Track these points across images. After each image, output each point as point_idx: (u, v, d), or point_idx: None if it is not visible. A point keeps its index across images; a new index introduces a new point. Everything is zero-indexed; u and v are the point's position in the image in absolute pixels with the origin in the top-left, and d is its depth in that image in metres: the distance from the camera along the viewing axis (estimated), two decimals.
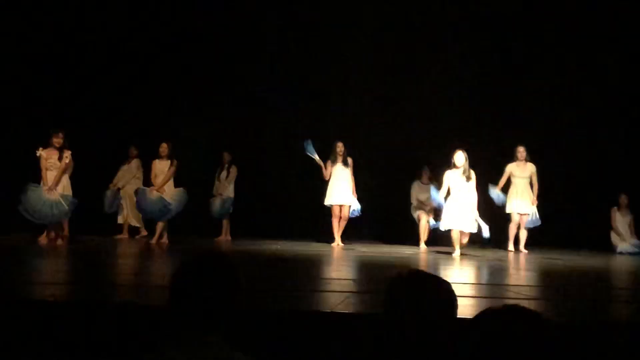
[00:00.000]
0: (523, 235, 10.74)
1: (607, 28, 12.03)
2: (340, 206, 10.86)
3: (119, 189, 11.33)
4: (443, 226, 9.62)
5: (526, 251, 10.54)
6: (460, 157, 9.51)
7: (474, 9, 12.33)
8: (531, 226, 10.74)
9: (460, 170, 9.49)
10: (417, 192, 11.39)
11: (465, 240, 9.52)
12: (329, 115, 12.73)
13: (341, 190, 10.84)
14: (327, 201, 10.92)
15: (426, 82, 12.26)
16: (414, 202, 11.42)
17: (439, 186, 10.05)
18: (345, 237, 10.97)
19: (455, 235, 9.48)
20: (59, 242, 9.49)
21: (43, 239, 9.49)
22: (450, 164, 9.61)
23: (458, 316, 2.12)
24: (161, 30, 12.37)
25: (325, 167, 10.92)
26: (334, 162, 10.92)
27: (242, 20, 12.62)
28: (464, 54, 12.28)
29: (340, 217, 10.89)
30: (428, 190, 10.83)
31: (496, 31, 12.36)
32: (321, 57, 12.70)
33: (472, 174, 9.59)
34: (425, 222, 11.04)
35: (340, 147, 10.93)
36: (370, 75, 12.48)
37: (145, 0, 12.45)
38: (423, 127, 12.30)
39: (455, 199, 9.48)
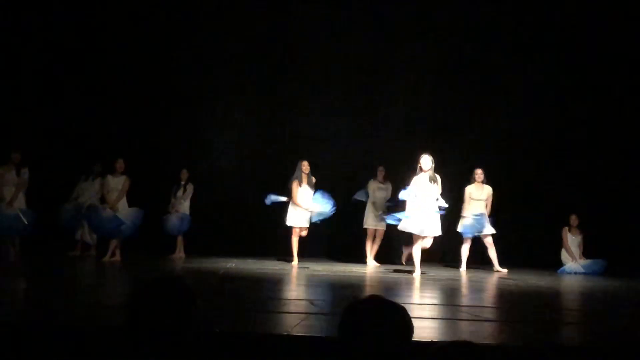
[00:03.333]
0: (493, 255, 10.74)
1: (563, 51, 12.33)
2: (302, 227, 10.82)
3: (81, 205, 10.97)
4: (402, 226, 9.46)
5: (504, 270, 10.57)
6: (426, 161, 9.40)
7: (441, 19, 12.56)
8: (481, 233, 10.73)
9: (427, 174, 9.39)
10: (373, 190, 11.35)
11: (428, 244, 9.43)
12: (287, 133, 12.83)
13: (305, 213, 10.76)
14: (290, 222, 10.81)
15: (388, 98, 12.50)
16: (370, 199, 11.38)
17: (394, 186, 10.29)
18: (300, 255, 10.91)
19: (416, 254, 9.46)
20: (11, 258, 9.34)
21: None
22: (416, 169, 9.52)
23: (414, 339, 2.14)
24: (121, 46, 12.28)
25: (292, 188, 10.74)
26: (300, 182, 10.76)
27: (202, 34, 12.61)
28: (427, 71, 12.57)
29: (300, 236, 10.85)
30: (384, 190, 10.98)
31: (458, 48, 12.61)
32: (283, 71, 12.81)
33: (438, 178, 9.49)
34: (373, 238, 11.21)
35: (306, 166, 10.81)
36: (333, 91, 12.63)
37: (108, 16, 12.31)
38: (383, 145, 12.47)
39: (420, 204, 9.36)
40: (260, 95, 12.88)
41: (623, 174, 12.07)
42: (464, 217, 10.75)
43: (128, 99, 12.22)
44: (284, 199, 10.85)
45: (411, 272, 9.54)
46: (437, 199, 9.46)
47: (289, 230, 10.92)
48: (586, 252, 11.51)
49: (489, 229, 10.72)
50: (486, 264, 10.87)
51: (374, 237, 11.35)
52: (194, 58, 12.63)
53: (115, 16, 12.29)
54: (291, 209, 10.81)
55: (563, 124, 12.50)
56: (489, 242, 10.77)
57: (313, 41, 12.65)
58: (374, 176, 11.45)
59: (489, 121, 12.44)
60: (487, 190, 10.83)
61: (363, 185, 11.53)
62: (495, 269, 10.67)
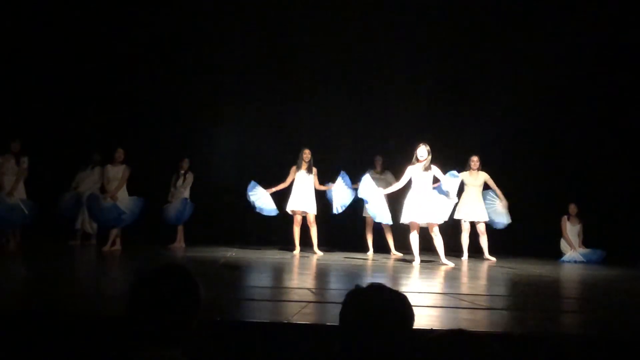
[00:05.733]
0: (484, 243, 10.83)
1: (565, 39, 12.31)
2: (304, 214, 10.82)
3: (81, 194, 10.91)
4: (404, 219, 9.56)
5: (493, 258, 10.63)
6: (423, 151, 9.45)
7: (438, 12, 12.54)
8: (502, 226, 10.83)
9: (422, 164, 9.43)
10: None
11: (435, 231, 9.45)
12: (285, 121, 12.84)
13: (303, 197, 10.76)
14: (289, 207, 10.84)
15: (389, 89, 12.50)
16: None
17: (394, 177, 10.23)
18: (301, 245, 10.93)
19: (414, 243, 9.52)
20: (11, 248, 9.36)
21: None
22: (412, 159, 9.55)
23: (414, 327, 2.14)
24: (123, 36, 12.26)
25: (289, 172, 10.83)
26: (298, 168, 10.82)
27: (203, 25, 12.59)
28: (428, 61, 12.56)
29: (301, 225, 10.84)
30: (382, 180, 10.91)
31: (455, 41, 12.58)
32: (284, 59, 12.79)
33: (434, 167, 9.51)
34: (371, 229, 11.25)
35: (307, 154, 10.84)
36: (334, 80, 12.63)
37: (110, 8, 12.26)
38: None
39: (417, 193, 9.43)
40: (261, 84, 12.87)
41: (623, 163, 12.07)
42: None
43: (128, 88, 12.20)
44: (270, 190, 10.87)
45: (411, 261, 9.59)
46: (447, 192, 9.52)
47: (290, 219, 10.94)
48: (586, 241, 11.53)
49: (483, 216, 10.77)
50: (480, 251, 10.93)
51: (382, 229, 11.36)
52: (194, 49, 12.61)
53: (117, 8, 12.25)
54: (291, 196, 10.84)
55: (564, 111, 12.50)
56: (481, 229, 10.84)
57: (314, 28, 12.62)
58: (372, 166, 11.43)
59: (489, 110, 12.42)
60: (482, 176, 10.85)
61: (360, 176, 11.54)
62: (485, 257, 10.75)
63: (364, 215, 11.32)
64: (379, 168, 11.35)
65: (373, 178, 11.11)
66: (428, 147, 9.48)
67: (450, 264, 9.35)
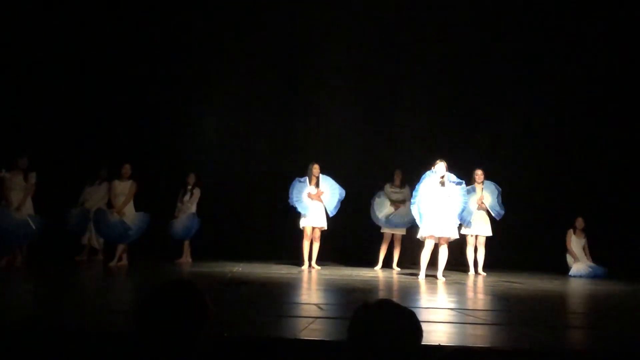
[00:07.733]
0: (481, 258, 10.82)
1: (564, 54, 12.33)
2: (313, 228, 10.80)
3: (88, 209, 10.94)
4: (421, 234, 9.55)
5: (484, 273, 10.62)
6: (441, 168, 9.46)
7: (449, 28, 12.59)
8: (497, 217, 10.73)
9: (440, 180, 9.44)
10: (389, 194, 11.29)
11: (444, 245, 9.48)
12: (293, 135, 12.86)
13: (314, 212, 10.76)
14: (301, 223, 10.82)
15: (399, 108, 12.54)
16: (379, 213, 11.36)
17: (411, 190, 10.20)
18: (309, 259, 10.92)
19: (425, 258, 9.50)
20: (18, 263, 9.38)
21: (4, 262, 9.36)
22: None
23: (422, 343, 2.15)
24: (128, 50, 12.31)
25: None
26: (309, 183, 10.83)
27: (212, 39, 12.65)
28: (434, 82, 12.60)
29: (312, 240, 10.84)
30: (400, 194, 10.97)
31: (466, 58, 12.63)
32: (294, 74, 12.83)
33: (451, 184, 9.55)
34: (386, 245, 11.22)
35: (316, 168, 10.85)
36: (344, 94, 12.66)
37: (117, 19, 12.34)
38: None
39: (433, 208, 9.41)
40: (269, 100, 12.90)
41: (632, 177, 12.05)
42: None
43: (134, 104, 12.24)
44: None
45: (416, 275, 9.58)
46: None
47: (300, 233, 10.93)
48: (592, 255, 11.47)
49: (486, 231, 10.75)
50: (491, 266, 10.87)
51: (392, 242, 11.34)
52: (201, 62, 12.64)
53: (124, 19, 12.31)
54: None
55: (569, 125, 12.50)
56: (480, 241, 10.80)
57: (328, 45, 12.65)
58: (390, 180, 11.43)
59: (496, 124, 12.44)
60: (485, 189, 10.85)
61: (377, 188, 11.53)
62: (477, 272, 10.71)
63: (382, 230, 11.31)
64: (398, 182, 11.34)
65: (392, 192, 11.19)
66: (446, 164, 9.51)
67: (443, 279, 9.30)
